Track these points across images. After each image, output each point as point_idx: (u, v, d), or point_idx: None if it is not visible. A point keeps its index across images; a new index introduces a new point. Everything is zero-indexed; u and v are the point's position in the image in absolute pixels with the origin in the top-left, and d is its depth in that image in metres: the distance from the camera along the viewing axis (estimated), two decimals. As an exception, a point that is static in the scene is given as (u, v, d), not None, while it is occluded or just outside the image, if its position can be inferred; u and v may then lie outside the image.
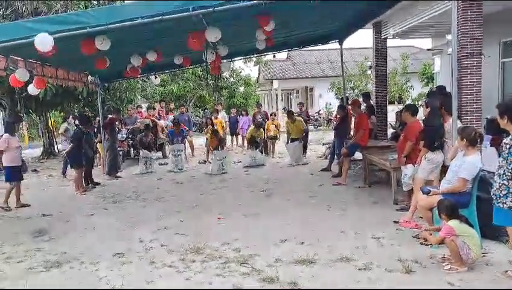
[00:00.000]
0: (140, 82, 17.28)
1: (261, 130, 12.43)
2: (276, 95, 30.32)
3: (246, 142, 14.20)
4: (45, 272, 4.50)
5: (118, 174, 10.67)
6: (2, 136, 7.95)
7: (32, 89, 7.91)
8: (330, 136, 12.82)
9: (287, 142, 11.83)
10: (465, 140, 4.63)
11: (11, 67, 7.48)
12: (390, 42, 12.59)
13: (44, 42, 4.85)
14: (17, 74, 7.27)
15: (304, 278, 3.98)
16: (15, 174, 7.65)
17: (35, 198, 8.37)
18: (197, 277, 4.14)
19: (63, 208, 7.51)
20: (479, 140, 4.71)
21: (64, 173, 10.84)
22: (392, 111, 12.49)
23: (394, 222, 5.59)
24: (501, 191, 3.86)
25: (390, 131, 11.55)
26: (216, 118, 14.67)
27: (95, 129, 11.39)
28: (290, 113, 11.76)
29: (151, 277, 4.21)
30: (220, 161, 10.46)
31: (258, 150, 11.78)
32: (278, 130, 13.09)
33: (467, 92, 7.39)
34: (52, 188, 9.76)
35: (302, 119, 11.98)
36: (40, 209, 7.35)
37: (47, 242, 5.56)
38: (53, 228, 6.20)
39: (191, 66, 12.87)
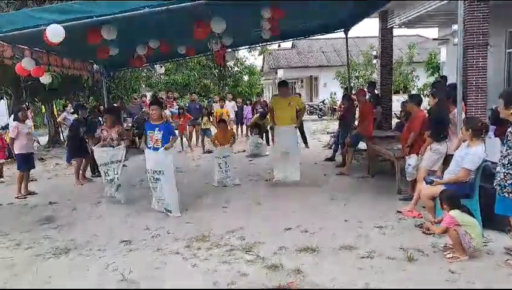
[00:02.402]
0: (145, 71, 17.31)
1: (267, 118, 12.36)
2: (281, 84, 30.22)
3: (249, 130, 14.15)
4: (54, 259, 4.59)
5: (124, 163, 10.72)
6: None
7: (44, 79, 7.97)
8: (335, 125, 12.82)
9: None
10: (470, 130, 4.64)
11: (17, 56, 7.53)
12: (396, 31, 12.54)
13: (56, 33, 4.87)
14: (23, 63, 7.32)
15: (307, 265, 4.04)
16: (27, 161, 7.72)
17: (41, 186, 8.47)
18: (203, 264, 4.21)
19: (69, 196, 7.60)
20: (484, 131, 4.73)
21: (68, 161, 10.93)
22: (397, 101, 12.47)
23: (397, 211, 5.63)
24: (506, 180, 3.87)
25: (394, 121, 11.54)
26: (222, 106, 14.30)
27: (100, 118, 11.44)
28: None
29: (158, 263, 4.29)
30: (221, 166, 7.81)
31: (258, 136, 11.75)
32: None
33: (472, 82, 7.37)
34: (59, 176, 9.86)
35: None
36: (46, 198, 7.45)
37: (54, 230, 5.65)
38: (60, 216, 6.30)
39: (195, 56, 12.85)
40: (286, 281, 3.70)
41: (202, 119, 12.72)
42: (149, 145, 6.07)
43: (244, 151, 11.85)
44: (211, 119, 12.90)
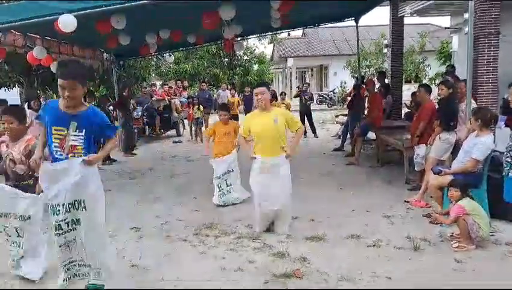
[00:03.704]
0: (154, 60, 17.34)
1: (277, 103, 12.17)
2: (291, 73, 30.12)
3: None
4: (66, 244, 4.68)
5: (134, 151, 10.87)
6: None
7: (55, 67, 8.08)
8: (345, 112, 12.75)
9: None
10: (479, 121, 4.63)
11: (28, 45, 7.63)
12: (407, 20, 12.38)
13: (68, 23, 4.94)
14: (34, 52, 7.43)
15: (314, 254, 4.09)
16: None
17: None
18: (211, 251, 4.28)
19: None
20: (493, 121, 4.71)
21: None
22: (408, 90, 12.38)
23: (405, 201, 5.65)
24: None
25: (404, 110, 11.47)
26: (233, 95, 14.06)
27: (110, 106, 11.53)
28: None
29: (168, 250, 4.37)
30: (222, 187, 5.87)
31: None
32: (288, 109, 12.82)
33: (483, 72, 7.30)
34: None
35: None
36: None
37: (67, 216, 5.75)
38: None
39: (205, 44, 12.82)
40: (292, 268, 3.76)
41: (194, 108, 12.55)
42: (54, 155, 3.21)
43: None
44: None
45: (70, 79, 3.04)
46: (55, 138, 3.17)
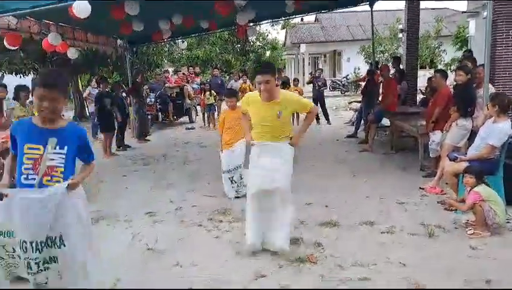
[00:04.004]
0: (167, 46, 17.34)
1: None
2: (303, 59, 29.88)
3: None
4: (83, 228, 4.77)
5: (147, 137, 10.96)
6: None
7: (71, 53, 8.15)
8: (358, 98, 12.64)
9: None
10: (497, 106, 4.56)
11: (43, 32, 7.69)
12: (423, 4, 12.15)
13: (83, 9, 4.96)
14: (49, 38, 7.48)
15: (327, 239, 4.11)
16: None
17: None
18: (225, 236, 4.33)
19: (96, 168, 7.71)
20: (511, 107, 4.63)
21: (94, 135, 11.18)
22: (423, 76, 12.21)
23: (420, 188, 5.62)
24: None
25: (419, 97, 11.33)
26: (245, 82, 13.90)
27: (124, 93, 11.60)
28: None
29: (182, 234, 4.42)
30: (235, 179, 5.67)
31: None
32: (301, 95, 12.68)
33: (501, 57, 7.16)
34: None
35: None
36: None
37: (83, 200, 5.84)
38: (88, 188, 6.47)
39: (218, 30, 12.76)
40: (306, 253, 3.78)
41: (206, 94, 12.47)
42: (22, 180, 2.59)
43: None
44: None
45: (50, 88, 2.55)
46: (27, 158, 2.57)
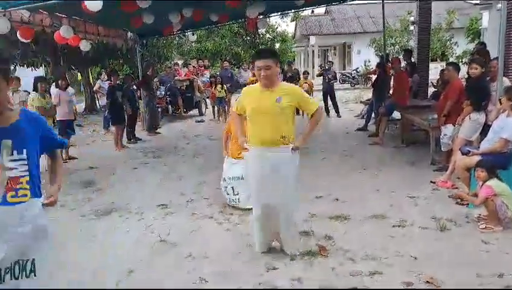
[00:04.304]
0: (176, 39, 17.36)
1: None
2: (313, 51, 29.69)
3: None
4: (95, 220, 4.86)
5: (157, 130, 11.02)
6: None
7: (83, 46, 8.21)
8: (368, 94, 12.58)
9: None
10: (510, 100, 4.50)
11: (55, 25, 7.74)
12: (435, -4, 11.98)
13: (95, 3, 5.00)
14: (61, 31, 7.53)
15: (338, 233, 4.12)
16: (67, 127, 8.00)
17: (81, 151, 8.82)
18: (237, 229, 4.36)
19: (108, 161, 7.90)
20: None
21: (105, 127, 11.27)
22: (434, 69, 12.08)
23: (431, 182, 5.59)
24: None
25: (431, 90, 11.23)
26: (254, 75, 13.98)
27: (134, 86, 11.64)
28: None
29: (194, 227, 4.47)
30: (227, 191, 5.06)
31: None
32: (311, 88, 12.66)
33: (516, 50, 7.05)
34: (96, 142, 10.24)
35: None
36: (86, 162, 7.77)
37: (95, 193, 5.93)
38: (100, 180, 6.58)
39: (228, 23, 12.74)
40: (317, 247, 3.79)
41: (216, 87, 12.37)
42: None
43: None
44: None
45: None
46: None
